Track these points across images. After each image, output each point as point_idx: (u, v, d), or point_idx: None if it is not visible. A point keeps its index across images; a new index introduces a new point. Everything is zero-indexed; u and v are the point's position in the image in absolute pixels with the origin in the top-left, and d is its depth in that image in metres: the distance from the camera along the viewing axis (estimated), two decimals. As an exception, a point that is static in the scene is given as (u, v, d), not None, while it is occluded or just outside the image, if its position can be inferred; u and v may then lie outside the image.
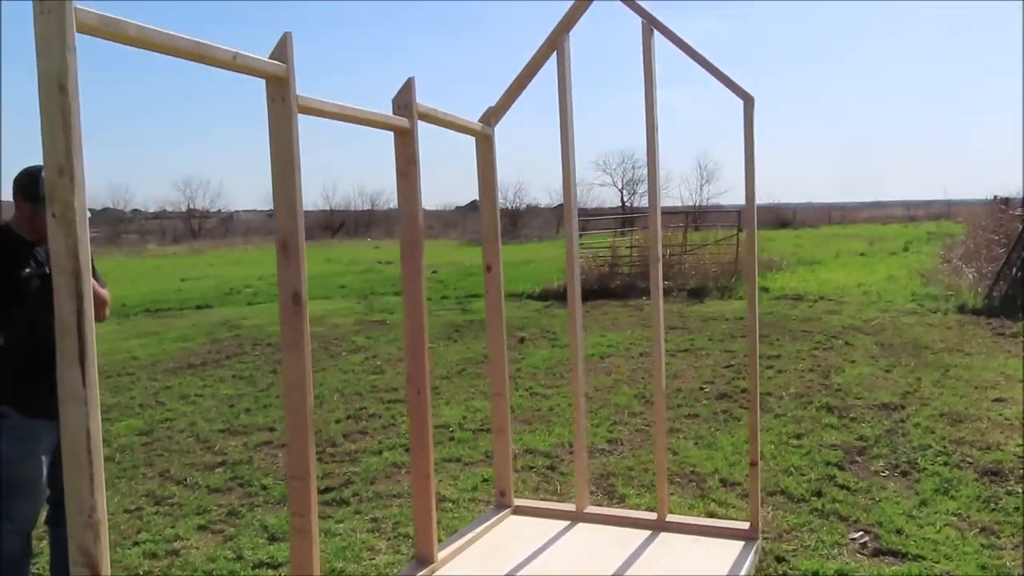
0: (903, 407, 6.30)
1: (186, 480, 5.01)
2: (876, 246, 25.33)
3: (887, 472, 4.90)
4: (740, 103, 3.50)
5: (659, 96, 3.60)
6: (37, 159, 2.32)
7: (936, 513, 4.21)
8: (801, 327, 10.44)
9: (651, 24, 3.47)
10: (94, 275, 3.25)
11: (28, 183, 3.10)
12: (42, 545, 3.83)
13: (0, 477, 3.08)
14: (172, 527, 4.24)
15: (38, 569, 3.68)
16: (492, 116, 3.81)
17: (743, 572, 3.28)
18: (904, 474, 4.85)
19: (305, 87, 2.60)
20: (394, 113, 3.11)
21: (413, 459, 3.30)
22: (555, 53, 3.65)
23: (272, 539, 4.00)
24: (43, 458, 3.09)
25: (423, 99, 3.20)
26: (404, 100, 3.12)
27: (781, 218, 45.55)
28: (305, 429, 2.56)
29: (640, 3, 3.47)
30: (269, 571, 3.67)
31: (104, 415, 6.58)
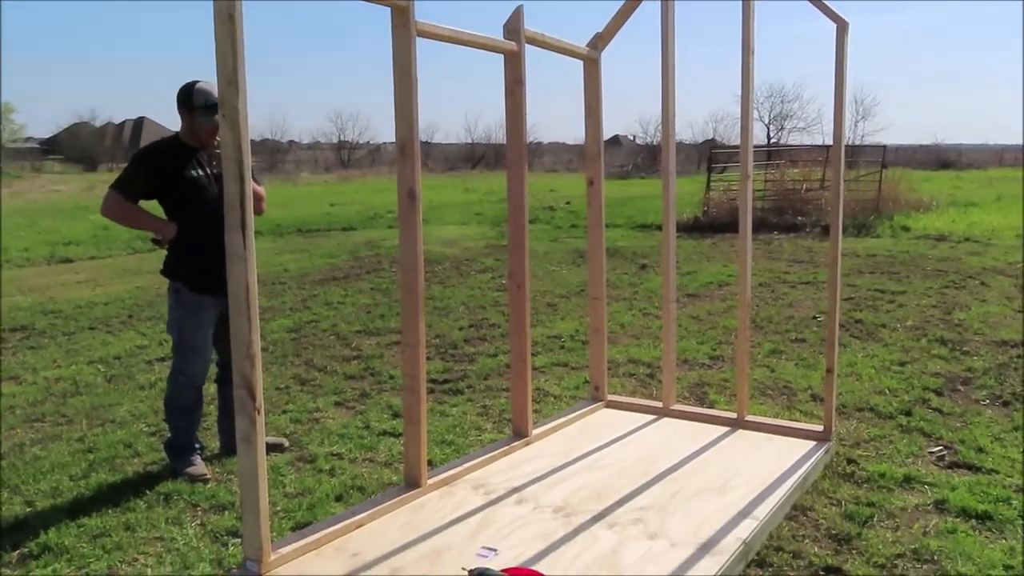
0: (1024, 344, 6.20)
1: (326, 368, 5.74)
2: (1046, 189, 23.42)
3: (987, 401, 4.95)
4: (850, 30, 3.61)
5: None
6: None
7: (1025, 438, 4.29)
8: (936, 266, 10.15)
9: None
10: (255, 178, 3.85)
11: (183, 96, 3.66)
12: (210, 408, 4.62)
13: (177, 341, 3.79)
14: (313, 402, 4.95)
15: (207, 425, 4.44)
16: (599, 41, 4.10)
17: (809, 464, 3.57)
18: (1005, 404, 4.89)
19: (427, 16, 3.02)
20: (504, 38, 3.49)
21: (512, 345, 3.76)
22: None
23: (395, 415, 4.62)
24: (208, 326, 3.77)
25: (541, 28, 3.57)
26: (513, 26, 3.48)
27: (943, 158, 42.58)
28: (417, 305, 3.05)
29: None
30: (391, 438, 4.28)
31: (260, 315, 7.48)
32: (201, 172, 3.73)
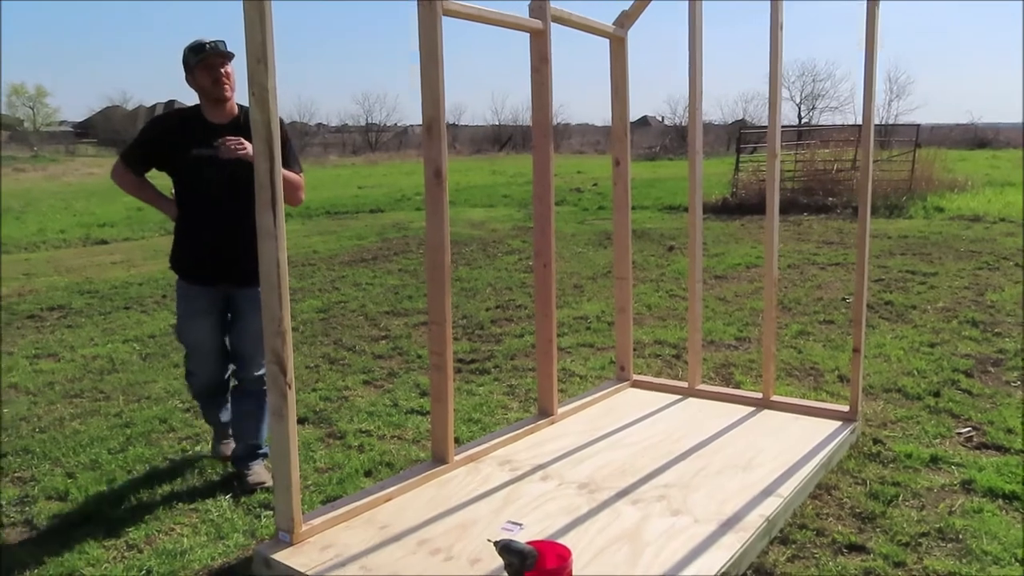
0: (1058, 326, 6.10)
1: (355, 347, 5.82)
2: (1086, 169, 22.84)
3: (1018, 383, 4.89)
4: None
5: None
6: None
7: (1057, 419, 4.24)
8: (970, 247, 10.00)
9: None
10: (289, 163, 3.26)
11: (183, 59, 3.31)
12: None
13: (177, 334, 3.62)
14: (343, 380, 5.03)
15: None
16: (626, 19, 4.09)
17: (834, 443, 3.57)
18: (1037, 385, 4.83)
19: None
20: (530, 16, 3.49)
21: (538, 324, 3.79)
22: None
23: (423, 394, 4.68)
24: (202, 319, 3.45)
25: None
26: (539, 4, 3.48)
27: (979, 137, 41.72)
28: (443, 283, 3.09)
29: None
30: (419, 416, 4.35)
31: (290, 296, 7.58)
32: (204, 151, 3.27)
